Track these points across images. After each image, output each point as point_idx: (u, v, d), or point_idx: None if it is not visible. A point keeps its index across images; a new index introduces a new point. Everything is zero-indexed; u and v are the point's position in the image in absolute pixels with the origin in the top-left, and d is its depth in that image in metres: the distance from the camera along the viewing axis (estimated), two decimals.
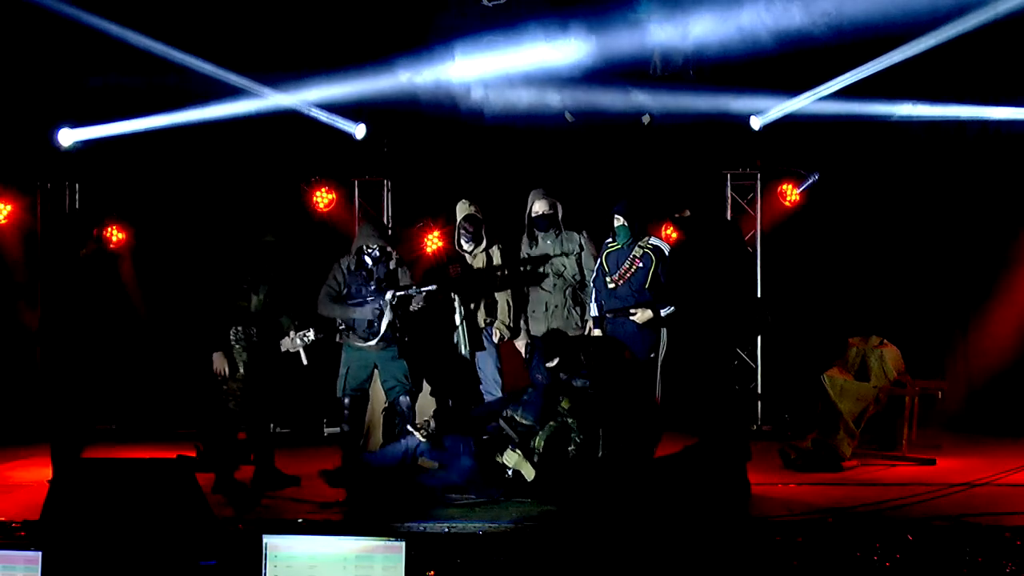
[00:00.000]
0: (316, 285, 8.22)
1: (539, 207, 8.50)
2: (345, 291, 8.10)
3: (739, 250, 8.59)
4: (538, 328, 8.45)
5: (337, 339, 8.12)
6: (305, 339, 7.97)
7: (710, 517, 6.43)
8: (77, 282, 8.18)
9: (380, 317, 7.92)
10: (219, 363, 7.88)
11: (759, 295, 8.17)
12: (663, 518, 6.39)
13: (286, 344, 7.98)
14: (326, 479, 7.77)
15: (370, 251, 8.05)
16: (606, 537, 6.19)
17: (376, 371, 8.11)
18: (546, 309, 8.47)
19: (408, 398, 8.00)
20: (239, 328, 7.93)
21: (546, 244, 8.53)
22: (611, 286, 8.09)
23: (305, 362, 7.99)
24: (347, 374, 8.04)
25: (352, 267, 8.11)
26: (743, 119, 10.54)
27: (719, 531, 6.23)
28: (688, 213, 7.86)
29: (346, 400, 8.05)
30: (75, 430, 8.13)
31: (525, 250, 8.60)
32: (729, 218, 10.74)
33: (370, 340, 7.93)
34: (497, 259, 8.62)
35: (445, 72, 10.38)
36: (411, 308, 8.02)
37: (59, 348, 8.23)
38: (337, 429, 8.37)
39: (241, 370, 7.92)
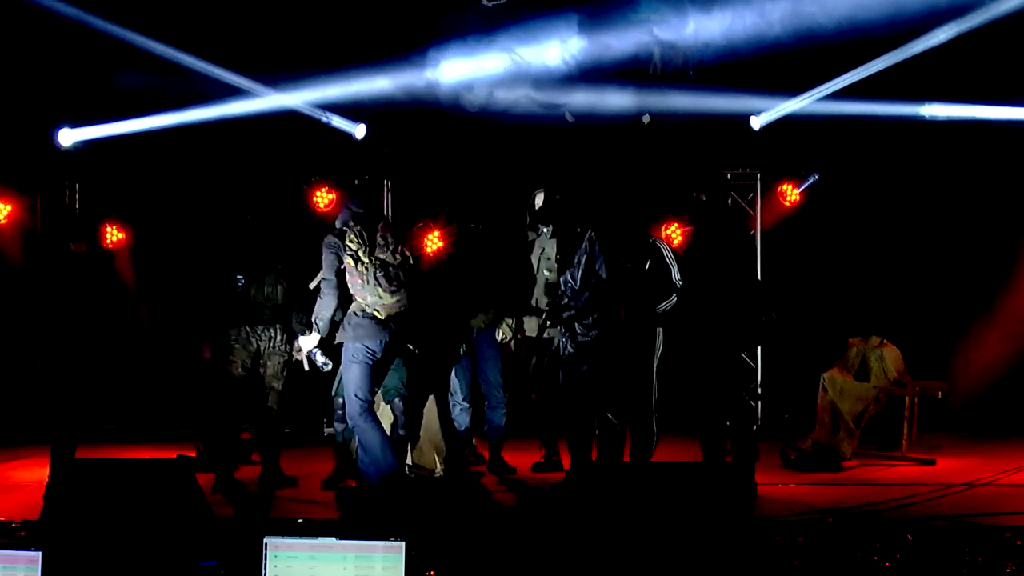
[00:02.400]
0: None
1: (540, 201, 8.50)
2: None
3: (747, 246, 8.59)
4: (528, 325, 8.43)
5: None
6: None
7: (715, 518, 6.42)
8: (72, 281, 8.17)
9: None
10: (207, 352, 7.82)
11: (762, 292, 8.17)
12: (666, 517, 6.38)
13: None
14: (321, 485, 7.80)
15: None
16: (608, 535, 6.19)
17: None
18: (535, 304, 8.43)
19: (402, 402, 7.93)
20: (245, 328, 7.88)
21: (542, 240, 8.52)
22: None
23: (307, 368, 7.96)
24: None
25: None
26: (743, 119, 10.54)
27: (724, 532, 6.22)
28: (705, 197, 7.84)
29: (339, 400, 7.99)
30: (73, 430, 8.13)
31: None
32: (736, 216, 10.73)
33: None
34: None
35: (445, 72, 10.38)
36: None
37: (58, 348, 8.23)
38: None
39: (240, 370, 7.90)
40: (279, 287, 7.96)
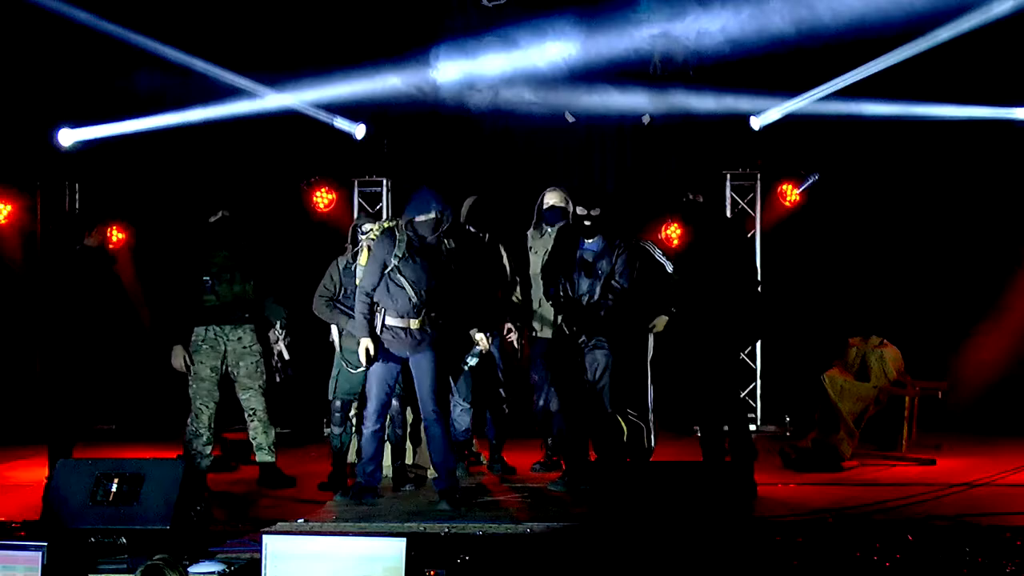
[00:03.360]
0: (314, 286, 8.18)
1: (551, 199, 8.42)
2: (341, 292, 7.97)
3: (744, 247, 8.57)
4: (535, 323, 8.42)
5: (333, 342, 8.03)
6: (283, 341, 7.94)
7: (715, 517, 6.42)
8: (75, 280, 8.16)
9: None
10: (177, 359, 7.77)
11: (761, 294, 8.20)
12: (667, 517, 6.38)
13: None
14: (319, 487, 7.80)
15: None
16: (609, 536, 6.19)
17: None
18: (539, 305, 8.41)
19: (398, 403, 7.89)
20: (212, 329, 7.83)
21: (551, 239, 8.49)
22: None
23: (287, 357, 7.95)
24: (339, 376, 7.92)
25: (347, 266, 7.97)
26: (743, 119, 10.54)
27: (724, 532, 6.23)
28: (701, 199, 7.85)
29: (337, 403, 7.94)
30: (70, 430, 8.12)
31: (529, 242, 8.55)
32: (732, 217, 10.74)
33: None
34: (505, 258, 8.56)
35: (445, 72, 10.38)
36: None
37: (58, 348, 8.22)
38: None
39: (210, 372, 7.84)
40: (248, 284, 7.92)
